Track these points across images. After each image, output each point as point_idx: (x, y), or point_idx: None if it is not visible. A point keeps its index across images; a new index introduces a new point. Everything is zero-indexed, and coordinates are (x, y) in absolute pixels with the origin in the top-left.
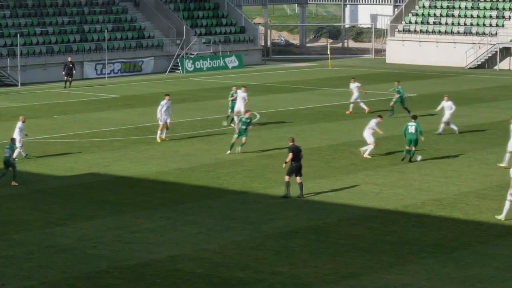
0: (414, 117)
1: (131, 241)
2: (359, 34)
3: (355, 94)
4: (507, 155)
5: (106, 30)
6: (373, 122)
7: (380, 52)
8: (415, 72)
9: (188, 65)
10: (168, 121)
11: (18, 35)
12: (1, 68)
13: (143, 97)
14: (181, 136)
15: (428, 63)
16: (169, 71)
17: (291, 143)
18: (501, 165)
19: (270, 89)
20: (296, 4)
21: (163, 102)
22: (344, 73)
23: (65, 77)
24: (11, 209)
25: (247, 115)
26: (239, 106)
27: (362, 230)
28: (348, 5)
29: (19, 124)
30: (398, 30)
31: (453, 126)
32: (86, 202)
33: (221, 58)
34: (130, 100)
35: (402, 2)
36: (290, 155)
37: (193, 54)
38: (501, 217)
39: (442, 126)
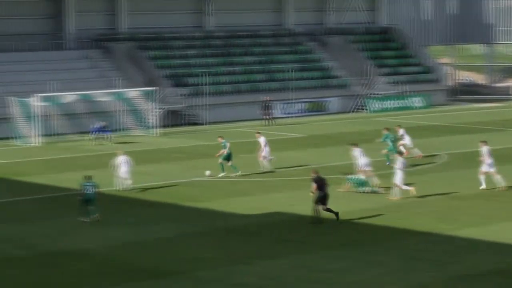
0: None
1: (314, 281)
2: None
3: (408, 138)
4: None
5: (292, 70)
6: None
7: None
8: None
9: (374, 104)
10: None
11: (206, 74)
12: (189, 107)
13: (329, 136)
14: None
15: None
16: (354, 111)
17: (314, 175)
18: None
19: (456, 130)
20: (483, 44)
21: None
22: None
23: (264, 116)
24: (195, 247)
25: None
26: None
27: None
28: None
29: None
30: None
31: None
32: (270, 241)
33: (406, 98)
34: (316, 139)
35: None
36: (314, 185)
37: (379, 94)
38: None
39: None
